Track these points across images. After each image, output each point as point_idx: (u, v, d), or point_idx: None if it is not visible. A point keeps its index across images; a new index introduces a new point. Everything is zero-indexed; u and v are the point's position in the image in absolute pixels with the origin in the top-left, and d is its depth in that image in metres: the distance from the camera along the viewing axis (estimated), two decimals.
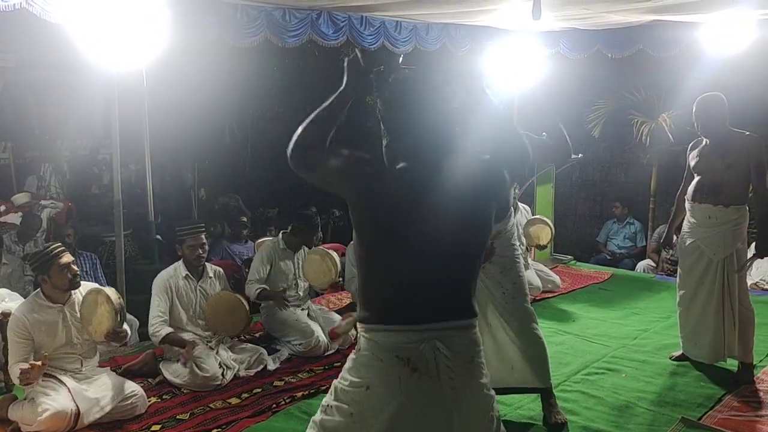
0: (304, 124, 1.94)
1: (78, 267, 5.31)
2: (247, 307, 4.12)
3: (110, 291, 3.45)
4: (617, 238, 7.77)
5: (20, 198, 7.22)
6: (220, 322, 4.12)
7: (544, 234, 5.69)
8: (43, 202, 7.09)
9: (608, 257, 7.62)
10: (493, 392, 2.03)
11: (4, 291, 4.06)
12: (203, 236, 4.22)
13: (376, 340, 1.92)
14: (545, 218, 5.84)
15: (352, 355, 1.99)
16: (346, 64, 1.97)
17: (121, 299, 3.48)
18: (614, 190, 8.40)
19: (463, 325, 1.95)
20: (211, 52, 6.38)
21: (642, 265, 7.19)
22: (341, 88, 1.95)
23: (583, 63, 6.72)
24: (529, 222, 5.79)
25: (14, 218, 6.60)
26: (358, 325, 1.99)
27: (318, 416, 1.99)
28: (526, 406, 3.66)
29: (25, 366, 3.24)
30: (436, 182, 1.90)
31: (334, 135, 1.96)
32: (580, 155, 6.46)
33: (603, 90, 7.59)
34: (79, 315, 3.49)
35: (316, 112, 1.95)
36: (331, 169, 1.92)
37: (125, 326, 3.54)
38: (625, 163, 8.32)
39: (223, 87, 7.99)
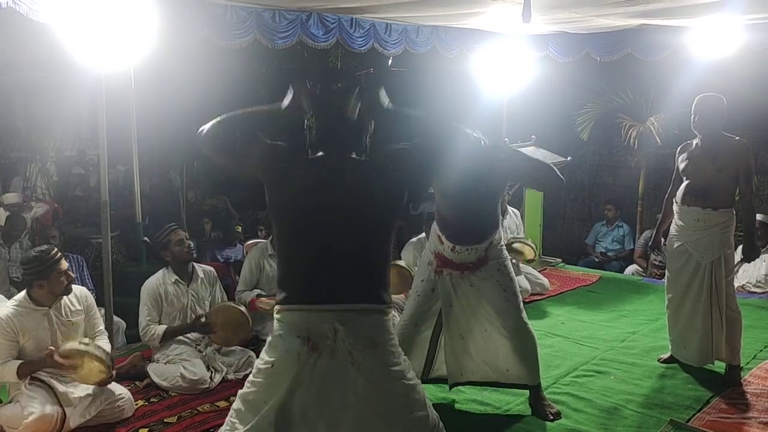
0: (226, 117, 2.11)
1: None
2: (250, 324, 4.13)
3: (94, 349, 3.32)
4: (605, 241, 7.80)
5: (11, 197, 7.16)
6: (223, 336, 4.11)
7: (527, 250, 5.74)
8: (33, 204, 7.00)
9: (597, 259, 7.64)
10: (413, 381, 2.13)
11: None
12: (182, 231, 4.20)
13: (283, 320, 2.08)
14: (525, 239, 5.89)
15: (269, 336, 2.14)
16: (295, 90, 2.14)
17: (107, 352, 3.40)
18: (603, 192, 8.44)
19: (365, 309, 2.07)
20: (200, 52, 6.35)
21: (630, 270, 7.22)
22: (281, 106, 2.14)
23: (572, 66, 6.76)
24: (513, 240, 5.82)
25: None
26: (275, 306, 2.14)
27: (241, 390, 2.15)
28: (515, 408, 3.67)
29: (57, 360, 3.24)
30: (342, 172, 2.09)
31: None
32: (568, 158, 6.52)
33: (592, 93, 7.63)
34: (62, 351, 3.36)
35: (245, 111, 2.15)
36: (247, 159, 2.12)
37: (106, 346, 3.54)
38: (613, 166, 8.36)
39: (211, 88, 7.94)
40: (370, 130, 2.19)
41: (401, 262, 5.01)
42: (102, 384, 3.40)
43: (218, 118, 2.10)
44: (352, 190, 2.08)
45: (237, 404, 2.13)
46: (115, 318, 4.94)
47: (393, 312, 4.86)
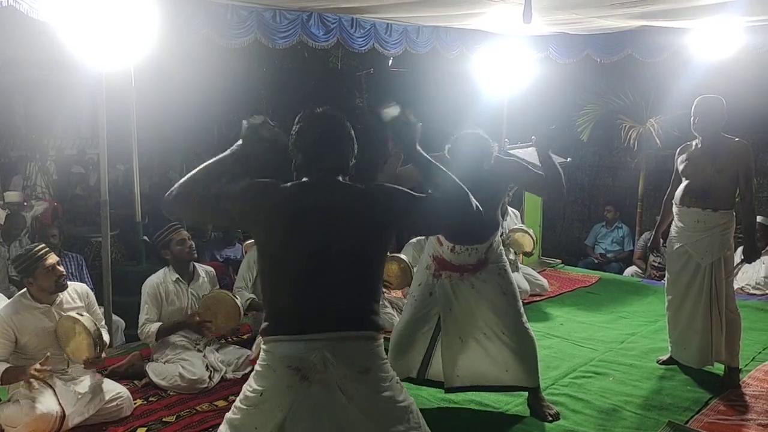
0: (192, 175, 2.06)
1: (64, 268, 5.33)
2: (241, 310, 4.12)
3: (87, 321, 3.35)
4: (605, 242, 7.80)
5: (11, 196, 7.17)
6: (213, 316, 4.08)
7: (526, 241, 5.72)
8: (33, 202, 6.99)
9: (596, 261, 7.64)
10: (405, 402, 2.11)
11: None
12: (184, 231, 4.19)
13: (271, 350, 2.06)
14: (524, 227, 5.88)
15: (256, 365, 2.11)
16: (246, 126, 2.12)
17: (99, 329, 3.40)
18: (602, 194, 8.44)
19: (355, 336, 2.05)
20: (201, 52, 6.36)
21: (629, 271, 7.22)
22: (235, 148, 2.11)
23: (573, 67, 6.76)
24: (511, 231, 5.82)
25: None
26: (261, 338, 2.12)
27: (229, 413, 2.12)
28: (513, 409, 3.67)
29: (32, 372, 3.21)
30: (328, 198, 2.06)
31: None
32: (568, 159, 6.51)
33: (592, 94, 7.64)
34: (56, 335, 3.40)
35: (212, 160, 2.10)
36: (226, 206, 2.06)
37: (105, 337, 3.53)
38: (613, 167, 8.36)
39: (212, 87, 7.96)
40: (354, 153, 2.16)
41: (403, 256, 5.00)
42: (89, 364, 3.39)
43: (183, 179, 2.05)
44: (339, 216, 2.05)
45: (224, 428, 2.10)
46: (115, 317, 4.95)
47: (392, 312, 4.91)
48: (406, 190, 2.11)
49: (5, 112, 9.69)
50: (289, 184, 2.10)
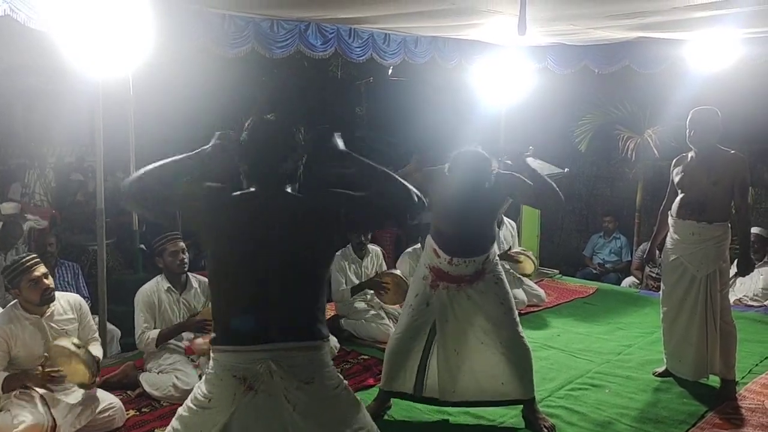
0: (149, 170, 2.05)
1: (59, 277, 5.33)
2: None
3: (84, 354, 3.32)
4: (602, 252, 7.78)
5: (8, 208, 7.21)
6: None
7: (528, 265, 5.75)
8: (28, 216, 6.97)
9: (594, 271, 7.63)
10: (352, 408, 2.13)
11: None
12: (181, 242, 4.17)
13: (218, 359, 2.07)
14: (525, 251, 5.89)
15: (206, 372, 2.14)
16: (217, 137, 2.11)
17: (95, 360, 3.40)
18: (600, 204, 8.43)
19: (301, 346, 2.06)
20: (200, 60, 6.36)
21: (627, 282, 7.21)
22: (200, 152, 2.10)
23: (571, 78, 6.77)
24: (516, 254, 5.82)
25: None
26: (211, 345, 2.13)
27: (180, 409, 2.15)
28: (509, 421, 3.65)
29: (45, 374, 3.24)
30: (274, 207, 2.07)
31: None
32: (566, 170, 6.52)
33: (590, 105, 7.64)
34: (48, 356, 3.35)
35: (172, 159, 2.08)
36: (179, 206, 2.10)
37: (97, 352, 3.55)
38: (611, 177, 8.36)
39: (211, 96, 7.96)
40: (301, 160, 2.14)
41: (397, 272, 5.00)
42: (83, 387, 3.39)
43: (140, 172, 2.05)
44: (285, 224, 2.05)
45: (175, 424, 2.12)
46: (110, 326, 4.93)
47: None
48: (345, 192, 2.10)
49: (4, 120, 9.69)
50: (236, 193, 2.10)
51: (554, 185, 3.37)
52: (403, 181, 2.08)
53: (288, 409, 2.01)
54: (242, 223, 2.05)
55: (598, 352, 4.78)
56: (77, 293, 5.20)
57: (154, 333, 3.99)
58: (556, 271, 7.23)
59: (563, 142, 7.66)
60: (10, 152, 9.92)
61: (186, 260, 4.15)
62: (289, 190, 2.10)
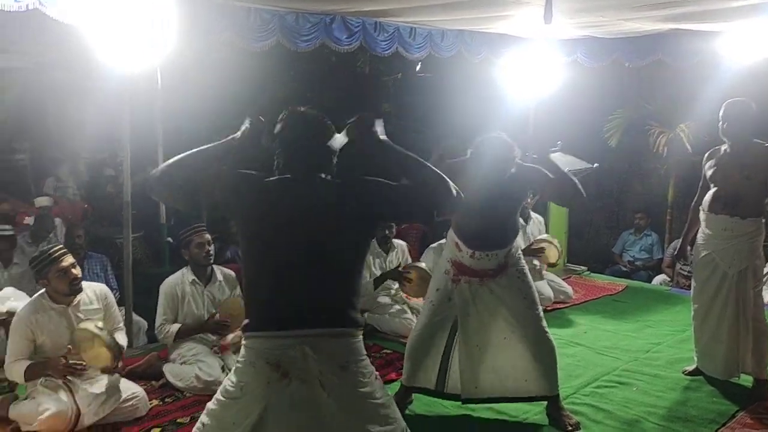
0: (180, 158, 2.06)
1: (88, 269, 5.40)
2: None
3: (106, 336, 3.36)
4: (633, 250, 7.64)
5: (41, 201, 7.41)
6: (232, 321, 4.06)
7: (552, 253, 5.62)
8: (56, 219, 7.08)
9: (624, 268, 7.49)
10: (382, 399, 2.10)
11: (9, 290, 4.07)
12: (206, 234, 4.19)
13: (251, 346, 2.05)
14: (550, 238, 5.78)
15: (236, 361, 2.12)
16: (248, 125, 2.13)
17: (118, 343, 3.42)
18: (631, 200, 8.27)
19: (336, 332, 2.05)
20: (227, 55, 6.40)
21: (658, 280, 7.06)
22: (230, 140, 2.12)
23: (601, 72, 6.65)
24: (536, 241, 5.73)
25: (30, 220, 6.67)
26: (242, 334, 2.11)
27: (209, 403, 2.11)
28: (532, 418, 3.60)
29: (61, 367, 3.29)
30: (310, 193, 2.06)
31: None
32: (595, 165, 6.41)
33: (621, 99, 7.51)
34: (73, 342, 3.41)
35: (198, 149, 2.09)
36: (209, 194, 2.07)
37: (122, 340, 3.58)
38: (642, 173, 8.19)
39: (239, 90, 8.00)
40: (336, 151, 2.15)
41: (422, 264, 4.96)
42: (106, 371, 3.43)
43: (170, 161, 2.06)
44: (321, 211, 2.04)
45: (205, 419, 2.09)
46: (137, 318, 5.00)
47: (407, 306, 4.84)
48: (384, 181, 2.09)
49: (39, 116, 9.86)
50: (272, 178, 2.10)
51: (576, 182, 3.30)
52: (442, 174, 2.06)
53: (323, 396, 1.99)
54: (278, 207, 2.04)
55: (625, 350, 4.69)
56: (106, 284, 5.29)
57: (174, 327, 4.02)
58: (584, 268, 7.11)
59: (593, 137, 7.52)
60: (44, 147, 10.11)
61: (211, 252, 4.18)
62: (323, 176, 2.11)
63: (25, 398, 3.38)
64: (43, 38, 6.24)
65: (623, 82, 7.27)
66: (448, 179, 2.06)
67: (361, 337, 2.12)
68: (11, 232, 5.40)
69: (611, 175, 8.32)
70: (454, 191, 2.04)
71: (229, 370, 3.87)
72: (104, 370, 3.42)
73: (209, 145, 2.11)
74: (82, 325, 3.38)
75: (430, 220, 3.37)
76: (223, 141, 2.12)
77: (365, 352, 2.14)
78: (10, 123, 9.50)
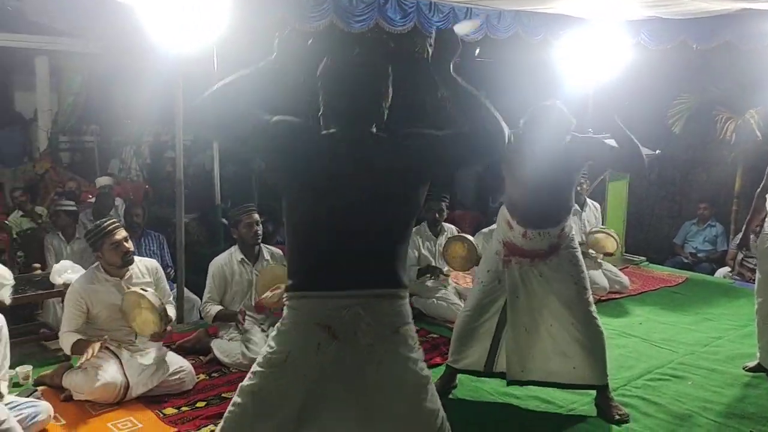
0: (221, 88, 1.90)
1: (145, 246, 5.55)
2: None
3: (152, 296, 3.42)
4: (695, 241, 7.34)
5: (103, 180, 7.74)
6: (262, 291, 4.08)
7: (609, 243, 5.45)
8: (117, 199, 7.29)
9: (686, 260, 7.21)
10: (426, 372, 2.01)
11: (67, 263, 4.20)
12: (256, 214, 4.23)
13: (297, 308, 1.94)
14: (609, 230, 5.61)
15: (278, 324, 1.99)
16: (279, 39, 1.99)
17: (164, 304, 3.47)
18: (695, 190, 7.94)
19: (386, 293, 1.95)
20: (285, 36, 6.40)
21: (721, 272, 6.77)
22: (267, 63, 1.97)
23: (666, 54, 6.37)
24: (592, 232, 5.57)
25: (93, 198, 6.93)
26: (285, 296, 2.00)
27: (245, 381, 1.99)
28: (579, 408, 3.50)
29: (86, 357, 3.33)
30: (361, 149, 1.95)
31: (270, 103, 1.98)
32: (657, 152, 6.18)
33: (686, 83, 7.20)
34: (121, 309, 3.50)
35: (239, 75, 1.93)
36: (260, 130, 1.92)
37: (171, 312, 3.61)
38: (707, 161, 7.84)
39: (291, 71, 8.03)
40: (388, 100, 2.01)
41: (468, 237, 4.87)
42: (156, 338, 3.50)
43: (212, 89, 1.90)
44: (373, 168, 1.93)
45: (242, 399, 1.96)
46: (191, 295, 5.12)
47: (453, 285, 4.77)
48: (434, 132, 1.98)
49: (106, 100, 10.16)
50: (323, 133, 1.97)
51: (640, 148, 3.16)
52: (498, 116, 1.92)
53: (373, 360, 1.91)
54: (330, 164, 1.93)
55: (682, 343, 4.51)
56: (162, 262, 5.44)
57: (214, 309, 4.09)
58: (643, 258, 6.88)
59: (655, 123, 7.24)
60: (110, 130, 10.44)
61: (260, 232, 4.22)
62: (374, 130, 1.99)
63: (78, 368, 3.49)
64: (107, 22, 6.41)
65: (689, 65, 6.95)
66: (503, 123, 1.92)
67: (407, 299, 2.03)
68: (74, 208, 5.61)
69: (674, 163, 8.00)
70: (507, 136, 1.93)
71: None
72: (153, 337, 3.49)
73: (246, 72, 1.95)
74: (129, 290, 3.47)
75: (481, 166, 3.23)
76: (261, 64, 1.96)
77: (411, 317, 2.03)
78: (78, 106, 9.83)
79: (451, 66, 1.96)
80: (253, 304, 4.17)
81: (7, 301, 2.14)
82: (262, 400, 1.93)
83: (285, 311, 1.98)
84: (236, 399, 1.98)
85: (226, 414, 2.00)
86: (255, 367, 1.98)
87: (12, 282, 2.10)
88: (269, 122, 1.92)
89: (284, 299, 2.00)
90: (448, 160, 2.02)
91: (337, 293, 1.90)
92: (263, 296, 3.87)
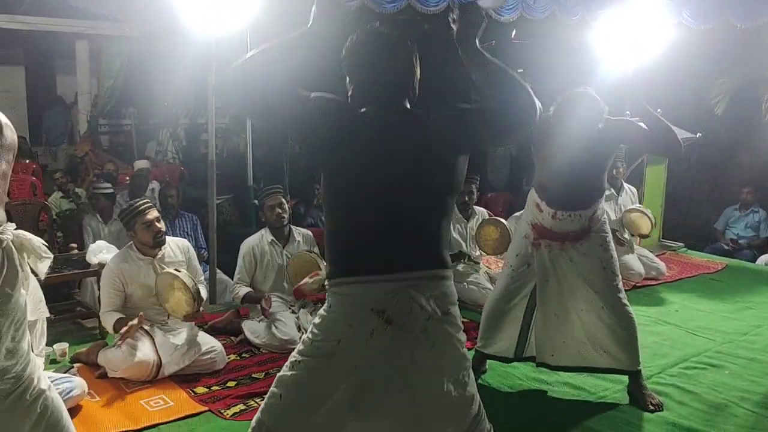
0: (251, 58, 1.77)
1: (179, 227, 5.62)
2: (322, 267, 4.03)
3: (185, 277, 3.46)
4: (737, 227, 7.13)
5: (140, 164, 8.03)
6: (293, 278, 4.10)
7: (644, 223, 5.32)
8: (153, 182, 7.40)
9: (726, 246, 7.02)
10: (468, 355, 1.97)
11: (102, 243, 4.29)
12: (281, 196, 4.24)
13: (348, 293, 1.87)
14: (643, 208, 5.47)
15: (322, 312, 1.92)
16: (315, 5, 1.85)
17: (197, 284, 3.50)
18: (737, 174, 7.69)
19: (435, 275, 1.90)
20: (319, 18, 6.37)
21: (764, 259, 6.57)
22: (303, 30, 1.83)
23: (707, 33, 6.16)
24: (628, 211, 5.45)
25: None
26: (327, 282, 1.94)
27: (285, 371, 1.92)
28: (611, 396, 3.44)
29: (125, 328, 3.41)
30: (395, 128, 1.89)
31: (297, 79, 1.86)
32: (698, 135, 6.01)
33: (729, 63, 6.95)
34: (155, 290, 3.55)
35: (270, 45, 1.80)
36: (296, 110, 1.82)
37: (202, 292, 3.64)
38: (751, 144, 7.57)
39: (324, 51, 8.01)
40: (417, 75, 1.95)
41: (501, 220, 4.82)
42: (188, 318, 3.54)
43: (244, 58, 1.77)
44: (410, 144, 1.87)
45: (285, 391, 1.90)
46: (224, 276, 5.16)
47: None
48: (467, 107, 1.92)
49: (143, 83, 10.30)
50: (361, 111, 1.90)
51: (674, 131, 3.08)
52: (530, 89, 1.84)
53: (425, 343, 1.86)
54: (367, 141, 1.86)
55: (720, 331, 4.40)
56: (196, 243, 5.51)
57: (243, 291, 4.14)
58: (681, 244, 6.73)
59: (697, 104, 7.03)
60: (148, 113, 10.60)
61: (283, 215, 4.23)
62: (404, 106, 1.94)
63: (113, 346, 3.56)
64: (145, 6, 6.47)
65: (732, 45, 6.70)
66: (535, 99, 1.85)
67: (452, 280, 1.99)
68: (111, 190, 5.70)
69: (716, 146, 7.76)
70: (539, 110, 1.86)
71: (304, 329, 3.97)
72: (186, 318, 3.53)
73: (282, 40, 1.82)
74: (163, 271, 3.52)
75: (513, 142, 3.17)
76: (296, 33, 1.83)
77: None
78: (117, 89, 9.98)
79: (477, 41, 1.89)
80: (285, 285, 4.20)
81: (42, 276, 2.19)
82: (310, 391, 1.88)
83: (330, 297, 1.91)
84: (277, 390, 1.92)
85: (265, 404, 1.94)
86: (297, 356, 1.91)
87: (50, 256, 2.14)
88: (308, 97, 1.83)
89: (327, 285, 1.95)
90: (482, 135, 1.95)
91: (387, 276, 1.85)
92: (302, 282, 3.82)
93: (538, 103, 1.86)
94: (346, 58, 1.96)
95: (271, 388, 1.94)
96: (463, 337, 1.97)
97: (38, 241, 2.09)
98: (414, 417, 1.92)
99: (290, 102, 1.82)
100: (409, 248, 1.88)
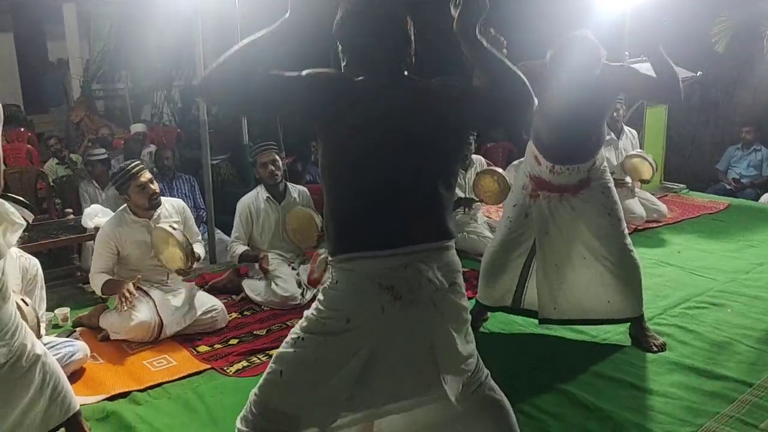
0: (233, 52, 1.68)
1: (177, 189, 5.60)
2: (318, 222, 4.02)
3: (179, 235, 3.45)
4: (739, 166, 7.05)
5: (137, 127, 8.09)
6: (292, 235, 4.13)
7: (645, 168, 5.26)
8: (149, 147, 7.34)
9: (728, 186, 6.96)
10: (469, 317, 1.96)
11: (97, 207, 4.27)
12: (274, 153, 4.19)
13: (354, 269, 1.82)
14: (644, 153, 5.40)
15: (326, 287, 1.87)
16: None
17: (190, 242, 3.50)
18: (739, 113, 7.57)
19: (441, 246, 1.87)
20: None
21: (766, 198, 6.52)
22: (281, 21, 1.73)
23: None
24: (628, 156, 5.38)
25: None
26: (331, 258, 1.88)
27: (287, 348, 1.87)
28: (614, 338, 3.45)
29: (125, 293, 3.40)
30: (393, 95, 1.83)
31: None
32: (699, 73, 5.89)
33: None
34: (151, 243, 3.55)
35: (249, 40, 1.71)
36: (295, 89, 1.76)
37: (199, 251, 3.65)
38: (753, 82, 7.42)
39: (320, 15, 7.85)
40: (412, 43, 1.89)
41: (498, 169, 4.77)
42: (181, 273, 3.56)
43: (220, 59, 1.68)
44: (413, 111, 1.82)
45: (287, 368, 1.85)
46: (223, 236, 5.15)
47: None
48: (468, 86, 1.89)
49: (135, 44, 10.15)
50: (358, 79, 1.83)
51: (678, 79, 2.99)
52: (526, 81, 1.80)
53: (436, 316, 1.84)
54: (368, 111, 1.80)
55: (722, 270, 4.39)
56: (194, 204, 5.49)
57: (239, 250, 4.12)
58: (683, 186, 6.67)
59: (696, 42, 6.86)
60: (142, 75, 10.46)
61: (276, 172, 4.18)
62: (404, 74, 1.89)
63: (114, 309, 3.56)
64: None
65: None
66: (530, 88, 1.80)
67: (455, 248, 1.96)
68: (105, 156, 5.65)
69: (717, 85, 7.62)
70: (535, 104, 1.81)
71: (304, 285, 3.96)
72: (179, 272, 3.55)
73: (259, 34, 1.72)
74: (158, 227, 3.52)
75: (504, 128, 3.12)
76: (274, 26, 1.73)
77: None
78: (108, 53, 9.84)
79: (477, 29, 1.82)
80: (283, 243, 4.19)
81: (10, 247, 2.09)
82: (315, 368, 1.84)
83: (336, 273, 1.86)
84: (277, 367, 1.88)
85: (264, 380, 1.90)
86: (300, 332, 1.86)
87: (23, 223, 2.07)
88: (300, 76, 1.76)
89: (330, 261, 1.89)
90: (477, 116, 1.92)
91: (394, 251, 1.80)
92: (312, 272, 3.79)
93: (535, 100, 1.82)
94: (340, 29, 1.89)
95: (270, 364, 1.91)
96: (467, 303, 1.95)
97: (11, 207, 2.03)
98: (425, 382, 1.91)
99: (285, 84, 1.75)
100: (415, 220, 1.84)
